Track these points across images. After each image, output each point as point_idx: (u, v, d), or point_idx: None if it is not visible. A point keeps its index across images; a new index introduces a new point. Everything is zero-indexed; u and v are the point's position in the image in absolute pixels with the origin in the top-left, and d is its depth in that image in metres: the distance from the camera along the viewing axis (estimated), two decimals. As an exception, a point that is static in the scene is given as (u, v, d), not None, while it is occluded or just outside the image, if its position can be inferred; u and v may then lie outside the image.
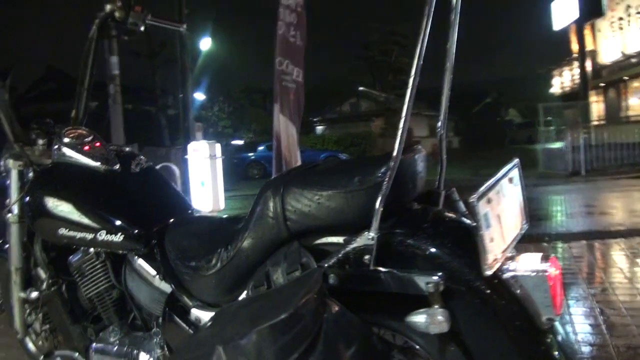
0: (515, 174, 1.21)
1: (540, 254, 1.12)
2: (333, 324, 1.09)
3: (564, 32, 20.99)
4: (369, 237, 1.13)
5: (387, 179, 1.11)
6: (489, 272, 1.04)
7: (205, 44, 23.29)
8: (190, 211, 1.84)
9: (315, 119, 37.83)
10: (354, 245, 1.16)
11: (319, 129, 37.67)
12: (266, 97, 32.89)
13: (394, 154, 1.11)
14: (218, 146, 5.69)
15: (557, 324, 1.17)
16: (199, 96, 27.73)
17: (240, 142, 29.24)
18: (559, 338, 1.14)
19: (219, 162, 5.61)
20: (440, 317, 1.04)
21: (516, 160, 1.22)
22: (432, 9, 1.13)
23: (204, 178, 5.58)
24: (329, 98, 39.11)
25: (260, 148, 21.80)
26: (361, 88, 36.87)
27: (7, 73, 1.96)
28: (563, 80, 24.16)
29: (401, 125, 1.11)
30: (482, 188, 1.07)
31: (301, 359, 1.04)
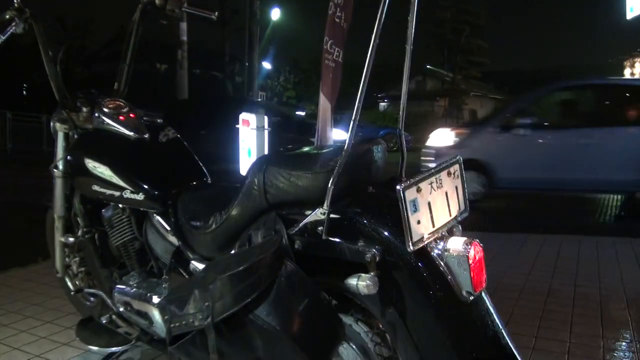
0: (455, 168, 1.41)
1: (465, 238, 1.33)
2: (286, 280, 1.34)
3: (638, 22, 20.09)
4: (321, 211, 1.37)
5: (338, 165, 1.33)
6: (412, 248, 1.25)
7: (276, 14, 23.54)
8: (205, 179, 2.10)
9: (379, 95, 37.74)
10: (310, 218, 1.40)
11: (382, 105, 37.60)
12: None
13: (345, 146, 1.33)
14: (266, 118, 5.96)
15: (485, 299, 1.38)
16: (266, 65, 28.15)
17: (302, 114, 29.55)
18: (483, 310, 1.36)
19: (266, 134, 5.88)
20: (368, 282, 1.27)
21: (458, 157, 1.43)
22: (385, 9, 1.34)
23: (250, 147, 5.87)
24: (395, 75, 38.78)
25: (321, 120, 21.96)
26: (428, 66, 36.56)
27: (59, 49, 2.26)
28: (634, 72, 23.29)
29: (353, 118, 1.33)
30: (413, 179, 1.28)
31: (254, 303, 1.30)
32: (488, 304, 1.38)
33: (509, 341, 1.36)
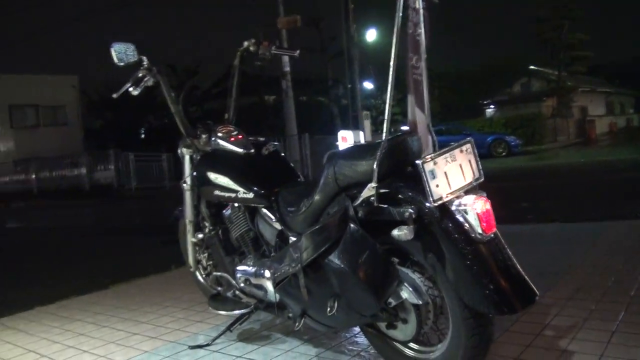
0: (467, 147, 1.91)
1: (475, 195, 1.83)
2: (350, 236, 1.91)
3: None
4: (372, 186, 1.91)
5: (379, 153, 1.88)
6: (433, 205, 1.77)
7: (371, 35, 24.14)
8: (298, 179, 2.70)
9: (484, 102, 37.29)
10: (365, 192, 1.95)
11: (489, 111, 37.14)
12: (434, 83, 32.87)
13: (383, 137, 1.88)
14: (361, 134, 6.55)
15: (497, 239, 1.86)
16: (368, 85, 28.78)
17: (406, 128, 29.80)
18: (495, 248, 1.84)
19: (362, 147, 6.46)
20: (405, 231, 1.80)
21: (470, 139, 1.93)
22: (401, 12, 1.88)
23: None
24: (500, 79, 38.31)
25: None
26: (532, 67, 35.83)
27: (179, 92, 2.95)
28: None
29: (386, 116, 1.89)
30: (431, 155, 1.80)
31: (327, 250, 1.88)
32: (500, 243, 1.86)
33: (520, 271, 1.84)
